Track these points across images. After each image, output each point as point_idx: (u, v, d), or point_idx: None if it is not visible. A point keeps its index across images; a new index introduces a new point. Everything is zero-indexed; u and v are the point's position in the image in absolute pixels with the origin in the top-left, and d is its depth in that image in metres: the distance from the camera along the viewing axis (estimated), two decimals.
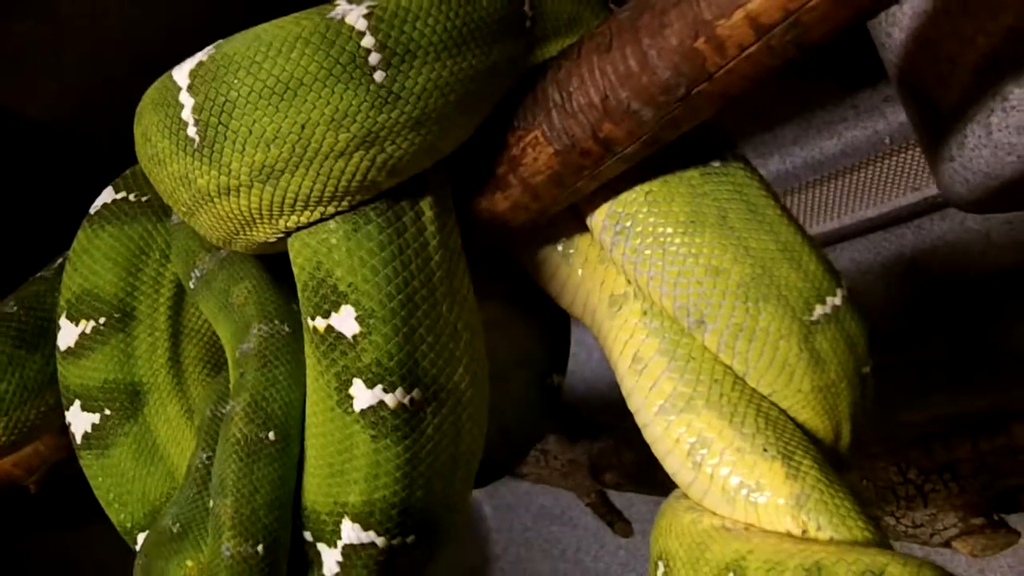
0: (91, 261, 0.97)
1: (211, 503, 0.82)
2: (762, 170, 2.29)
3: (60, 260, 1.10)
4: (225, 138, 0.71)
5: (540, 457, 2.13)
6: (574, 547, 3.29)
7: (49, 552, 2.38)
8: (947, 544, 1.77)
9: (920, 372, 2.55)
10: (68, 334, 0.97)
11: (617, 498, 2.20)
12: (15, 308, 1.05)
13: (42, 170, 1.71)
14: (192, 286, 0.93)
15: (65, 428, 1.25)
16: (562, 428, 2.04)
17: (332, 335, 0.76)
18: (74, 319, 0.97)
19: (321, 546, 0.82)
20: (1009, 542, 1.74)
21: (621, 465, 2.01)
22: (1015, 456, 1.70)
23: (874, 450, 1.83)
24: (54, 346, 1.00)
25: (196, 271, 0.92)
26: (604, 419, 2.09)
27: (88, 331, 0.96)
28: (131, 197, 0.99)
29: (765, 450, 0.83)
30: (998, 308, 2.45)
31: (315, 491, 0.81)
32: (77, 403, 0.97)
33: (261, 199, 0.74)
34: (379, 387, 0.75)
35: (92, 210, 1.00)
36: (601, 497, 2.17)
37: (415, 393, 0.76)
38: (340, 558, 0.81)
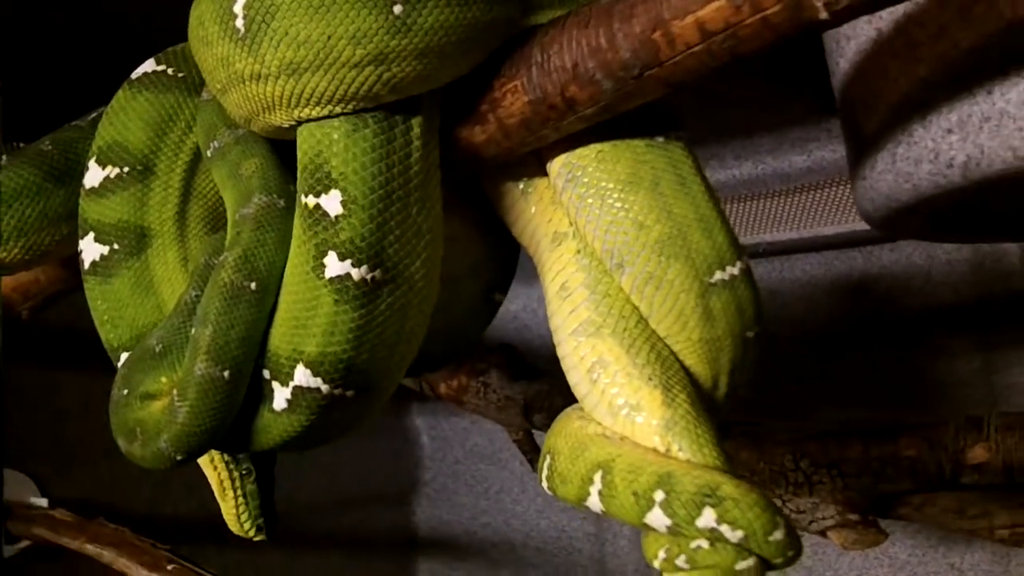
0: (125, 118, 1.10)
1: (192, 332, 0.97)
2: (735, 172, 2.46)
3: (94, 114, 1.22)
4: (265, 34, 0.85)
5: (481, 389, 2.26)
6: (497, 487, 3.46)
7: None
8: (822, 533, 1.91)
9: (845, 381, 2.72)
10: (94, 175, 1.10)
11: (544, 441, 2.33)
12: (50, 147, 1.19)
13: (103, 36, 1.84)
14: (209, 155, 1.07)
15: (67, 263, 1.41)
16: (504, 363, 2.18)
17: (319, 212, 0.90)
18: (102, 164, 1.10)
19: (276, 384, 0.96)
20: (877, 540, 1.90)
21: (551, 408, 2.14)
22: (898, 464, 1.86)
23: (779, 438, 1.98)
24: (78, 185, 1.13)
25: (215, 143, 1.06)
26: (549, 367, 2.22)
27: (112, 176, 1.10)
28: (169, 71, 1.12)
29: (650, 379, 0.98)
30: (925, 339, 2.62)
31: (279, 338, 0.95)
32: (91, 235, 1.10)
33: (284, 89, 0.87)
34: (348, 261, 0.89)
35: (133, 76, 1.13)
36: (528, 436, 2.33)
37: (377, 273, 0.90)
38: (289, 396, 0.95)
